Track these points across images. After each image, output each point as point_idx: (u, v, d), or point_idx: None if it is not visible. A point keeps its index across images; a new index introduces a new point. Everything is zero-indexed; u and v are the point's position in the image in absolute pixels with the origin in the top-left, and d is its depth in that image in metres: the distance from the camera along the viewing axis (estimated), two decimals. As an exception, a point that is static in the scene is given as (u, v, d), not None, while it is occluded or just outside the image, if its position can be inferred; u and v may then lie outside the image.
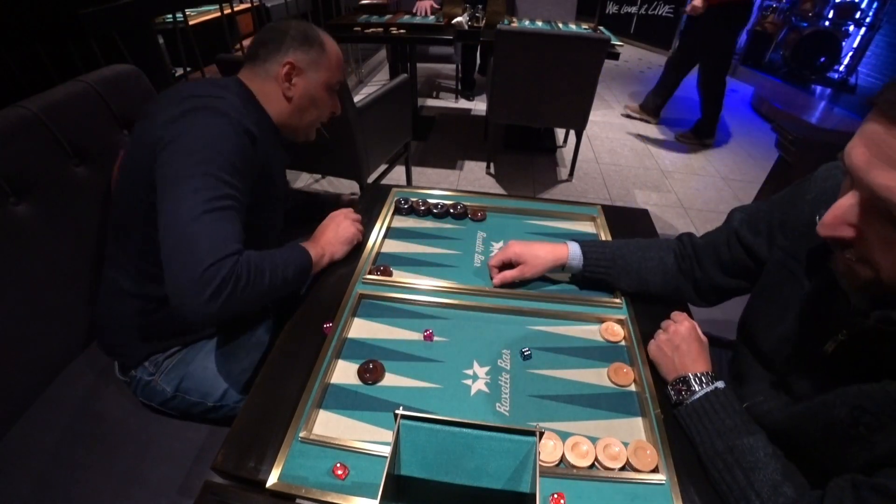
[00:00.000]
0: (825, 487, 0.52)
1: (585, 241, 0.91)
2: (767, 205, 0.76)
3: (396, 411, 0.50)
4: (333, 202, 1.28)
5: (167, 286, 0.69)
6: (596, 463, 0.63)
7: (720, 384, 0.67)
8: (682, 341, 0.72)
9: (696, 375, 0.68)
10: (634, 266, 0.88)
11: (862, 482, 0.49)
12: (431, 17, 2.84)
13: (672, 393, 0.70)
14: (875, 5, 4.52)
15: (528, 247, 0.89)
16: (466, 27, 2.67)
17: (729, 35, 3.03)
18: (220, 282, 0.68)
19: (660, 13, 5.65)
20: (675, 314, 0.79)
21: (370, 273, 0.92)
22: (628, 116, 3.84)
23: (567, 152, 3.13)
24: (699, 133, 3.43)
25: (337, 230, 0.96)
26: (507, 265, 0.91)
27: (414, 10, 3.07)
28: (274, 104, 0.92)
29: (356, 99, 1.82)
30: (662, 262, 0.88)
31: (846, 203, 0.48)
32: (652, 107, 3.68)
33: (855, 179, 0.47)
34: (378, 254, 0.98)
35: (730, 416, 0.63)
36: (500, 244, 1.04)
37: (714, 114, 3.31)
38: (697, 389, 0.67)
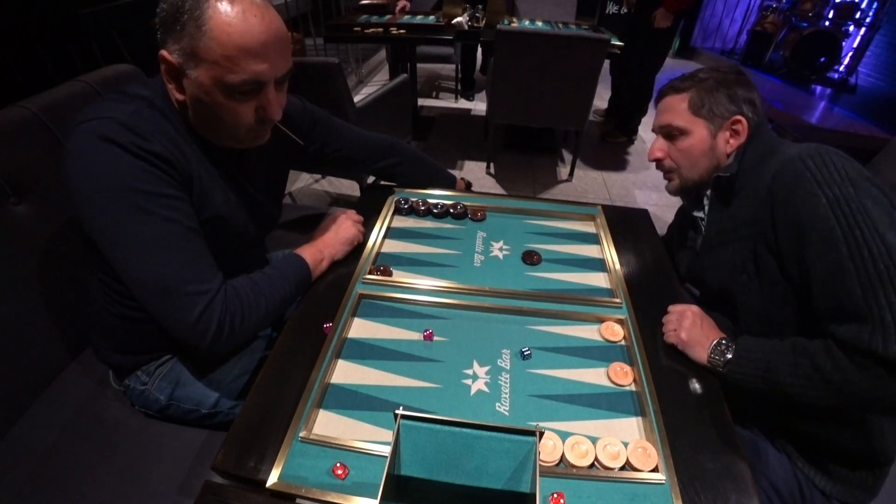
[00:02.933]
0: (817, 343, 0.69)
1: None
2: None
3: (396, 411, 0.50)
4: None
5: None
6: (596, 462, 0.63)
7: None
8: (701, 319, 0.81)
9: (723, 339, 0.78)
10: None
11: (828, 345, 0.67)
12: (431, 18, 2.84)
13: (715, 357, 0.76)
14: (875, 5, 4.52)
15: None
16: (466, 27, 2.67)
17: (673, 31, 2.91)
18: (217, 327, 0.70)
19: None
20: (674, 306, 0.84)
21: (370, 273, 0.92)
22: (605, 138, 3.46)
23: (567, 152, 3.13)
24: (626, 128, 3.32)
25: (338, 231, 0.96)
26: None
27: (399, 8, 3.02)
28: (181, 110, 0.74)
29: (356, 99, 1.82)
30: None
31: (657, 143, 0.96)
32: (630, 125, 3.38)
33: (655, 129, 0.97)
34: (378, 254, 0.98)
35: (764, 343, 0.74)
36: (500, 244, 1.04)
37: (643, 108, 3.24)
38: (731, 346, 0.76)
